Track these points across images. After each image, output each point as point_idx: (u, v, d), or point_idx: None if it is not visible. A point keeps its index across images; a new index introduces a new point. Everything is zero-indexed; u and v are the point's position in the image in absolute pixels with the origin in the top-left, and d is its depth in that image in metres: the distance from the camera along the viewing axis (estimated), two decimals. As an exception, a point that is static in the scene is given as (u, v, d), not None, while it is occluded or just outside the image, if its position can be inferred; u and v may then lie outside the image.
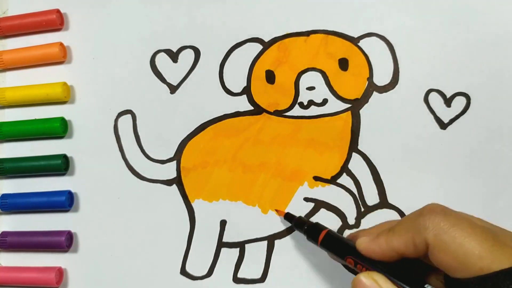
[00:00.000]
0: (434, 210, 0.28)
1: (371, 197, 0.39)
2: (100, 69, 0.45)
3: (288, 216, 0.39)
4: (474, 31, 0.39)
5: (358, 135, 0.40)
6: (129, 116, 0.44)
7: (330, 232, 0.35)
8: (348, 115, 0.40)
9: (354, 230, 0.39)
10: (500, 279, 0.25)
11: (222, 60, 0.43)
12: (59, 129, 0.44)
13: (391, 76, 0.40)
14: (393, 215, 0.38)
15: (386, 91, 0.40)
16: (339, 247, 0.33)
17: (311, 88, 0.41)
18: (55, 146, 0.45)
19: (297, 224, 0.38)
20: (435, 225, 0.27)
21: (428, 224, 0.27)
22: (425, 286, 0.28)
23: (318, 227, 0.36)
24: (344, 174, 0.40)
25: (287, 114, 0.41)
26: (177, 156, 0.43)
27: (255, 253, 0.40)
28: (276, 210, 0.40)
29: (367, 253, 0.31)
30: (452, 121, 0.38)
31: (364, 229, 0.35)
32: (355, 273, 0.31)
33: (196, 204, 0.42)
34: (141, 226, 0.43)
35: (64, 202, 0.43)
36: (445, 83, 0.39)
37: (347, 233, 0.39)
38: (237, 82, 0.42)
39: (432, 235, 0.27)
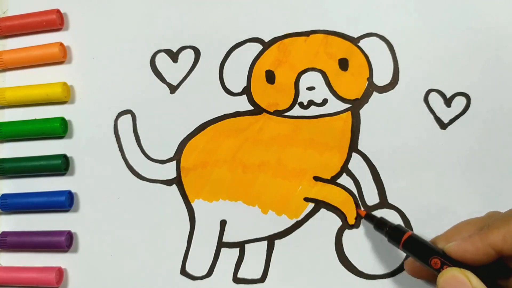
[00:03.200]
0: None
1: (371, 197, 0.39)
2: (100, 69, 0.45)
3: (368, 217, 0.38)
4: (474, 31, 0.39)
5: (358, 135, 0.40)
6: (129, 116, 0.44)
7: (413, 235, 0.34)
8: (348, 115, 0.40)
9: (354, 230, 0.39)
10: None
11: (222, 60, 0.43)
12: (59, 129, 0.44)
13: (391, 76, 0.40)
14: (393, 215, 0.38)
15: (386, 91, 0.40)
16: (423, 250, 0.32)
17: (311, 88, 0.41)
18: (55, 146, 0.45)
19: (378, 225, 0.36)
20: None
21: None
22: None
23: (401, 230, 0.34)
24: (344, 174, 0.40)
25: (287, 114, 0.41)
26: (177, 156, 0.43)
27: (255, 253, 0.40)
28: (357, 210, 0.39)
29: (458, 253, 0.29)
30: (452, 121, 0.38)
31: (439, 235, 0.33)
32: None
33: (196, 204, 0.42)
34: (141, 226, 0.43)
35: (64, 202, 0.43)
36: (445, 83, 0.39)
37: (347, 233, 0.39)
38: (237, 82, 0.42)
39: None
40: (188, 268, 0.41)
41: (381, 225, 0.36)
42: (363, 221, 0.39)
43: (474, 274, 0.28)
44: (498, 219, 0.29)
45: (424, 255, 0.32)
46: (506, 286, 0.30)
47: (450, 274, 0.29)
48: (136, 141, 0.44)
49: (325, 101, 0.40)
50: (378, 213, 0.38)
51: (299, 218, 0.40)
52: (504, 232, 0.28)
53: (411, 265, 0.34)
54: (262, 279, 0.40)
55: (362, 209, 0.39)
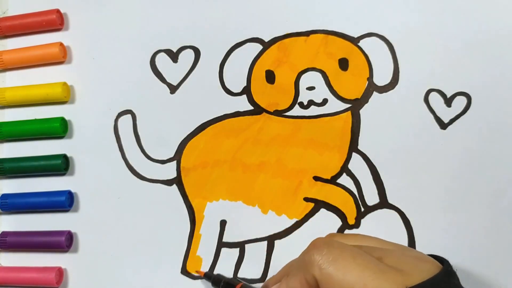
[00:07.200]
0: (318, 244, 0.29)
1: (371, 197, 0.39)
2: (100, 69, 0.45)
3: (206, 276, 0.40)
4: (475, 31, 0.39)
5: (358, 135, 0.40)
6: (129, 116, 0.44)
7: (244, 285, 0.36)
8: (348, 115, 0.40)
9: (354, 230, 0.39)
10: None
11: (222, 60, 0.43)
12: (59, 129, 0.44)
13: (391, 76, 0.40)
14: (393, 215, 0.38)
15: (386, 91, 0.40)
16: None
17: (311, 88, 0.41)
18: (55, 146, 0.45)
19: (215, 282, 0.38)
20: (319, 259, 0.28)
21: (312, 259, 0.28)
22: None
23: (232, 283, 0.37)
24: (344, 174, 0.40)
25: (287, 114, 0.41)
26: (177, 156, 0.43)
27: (255, 253, 0.40)
28: (196, 271, 0.41)
29: None
30: (452, 121, 0.38)
31: (272, 277, 0.36)
32: None
33: (196, 204, 0.42)
34: (141, 226, 0.43)
35: (64, 202, 0.43)
36: (445, 83, 0.39)
37: (347, 233, 0.39)
38: (237, 82, 0.42)
39: (317, 270, 0.27)
40: (189, 268, 0.41)
41: (217, 281, 0.38)
42: (364, 221, 0.39)
43: None
44: (293, 265, 0.32)
45: None
46: None
47: None
48: (136, 141, 0.44)
49: (325, 101, 0.40)
50: (378, 213, 0.39)
51: (299, 218, 0.40)
52: (299, 279, 0.29)
53: None
54: (262, 279, 0.40)
55: (202, 271, 0.40)
